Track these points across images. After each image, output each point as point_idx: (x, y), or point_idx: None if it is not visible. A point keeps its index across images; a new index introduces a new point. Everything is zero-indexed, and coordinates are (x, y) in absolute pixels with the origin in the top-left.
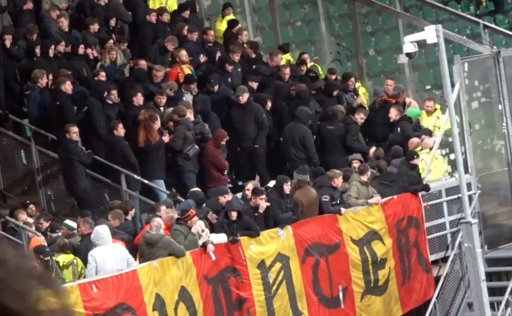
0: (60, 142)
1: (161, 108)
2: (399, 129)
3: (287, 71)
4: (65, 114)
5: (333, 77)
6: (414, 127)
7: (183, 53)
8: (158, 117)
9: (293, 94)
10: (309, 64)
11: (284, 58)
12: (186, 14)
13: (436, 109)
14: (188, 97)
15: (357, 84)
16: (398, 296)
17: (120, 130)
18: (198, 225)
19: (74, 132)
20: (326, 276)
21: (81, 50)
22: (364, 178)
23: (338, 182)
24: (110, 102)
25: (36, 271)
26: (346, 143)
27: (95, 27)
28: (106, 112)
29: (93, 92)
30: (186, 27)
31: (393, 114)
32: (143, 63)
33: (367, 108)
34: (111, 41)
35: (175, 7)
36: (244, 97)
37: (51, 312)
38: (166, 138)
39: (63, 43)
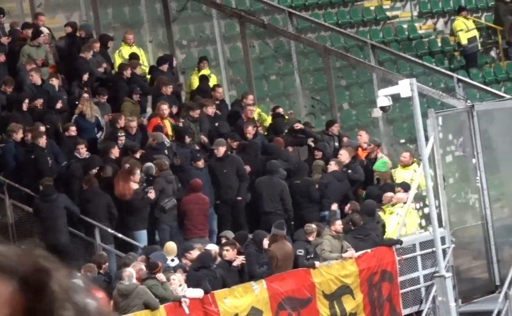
0: (45, 192)
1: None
2: (349, 170)
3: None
4: (40, 168)
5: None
6: (386, 182)
7: (165, 107)
8: (138, 171)
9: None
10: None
11: (256, 112)
12: (164, 68)
13: (413, 162)
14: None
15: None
16: None
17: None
18: (177, 279)
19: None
20: None
21: (59, 105)
22: (334, 228)
23: (313, 236)
24: (78, 156)
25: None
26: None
27: (59, 81)
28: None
29: (63, 147)
30: (163, 81)
31: (344, 157)
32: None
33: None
34: (86, 95)
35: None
36: (220, 151)
37: None
38: (151, 195)
39: (40, 99)
